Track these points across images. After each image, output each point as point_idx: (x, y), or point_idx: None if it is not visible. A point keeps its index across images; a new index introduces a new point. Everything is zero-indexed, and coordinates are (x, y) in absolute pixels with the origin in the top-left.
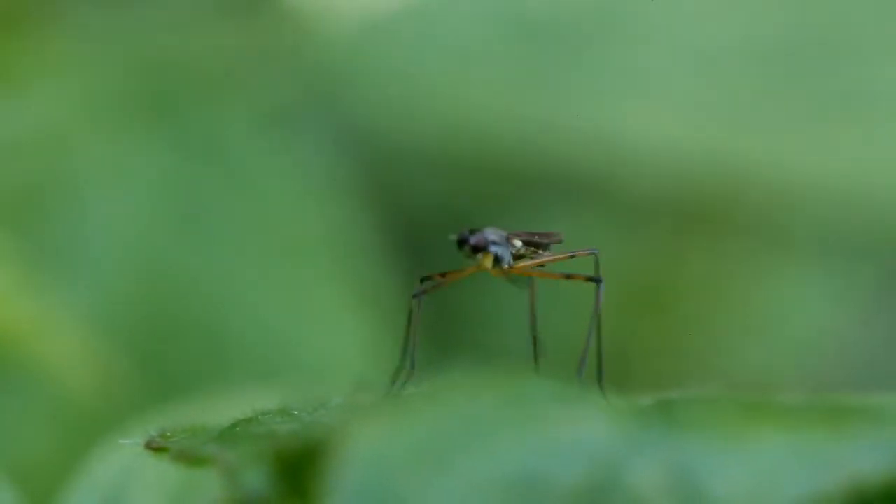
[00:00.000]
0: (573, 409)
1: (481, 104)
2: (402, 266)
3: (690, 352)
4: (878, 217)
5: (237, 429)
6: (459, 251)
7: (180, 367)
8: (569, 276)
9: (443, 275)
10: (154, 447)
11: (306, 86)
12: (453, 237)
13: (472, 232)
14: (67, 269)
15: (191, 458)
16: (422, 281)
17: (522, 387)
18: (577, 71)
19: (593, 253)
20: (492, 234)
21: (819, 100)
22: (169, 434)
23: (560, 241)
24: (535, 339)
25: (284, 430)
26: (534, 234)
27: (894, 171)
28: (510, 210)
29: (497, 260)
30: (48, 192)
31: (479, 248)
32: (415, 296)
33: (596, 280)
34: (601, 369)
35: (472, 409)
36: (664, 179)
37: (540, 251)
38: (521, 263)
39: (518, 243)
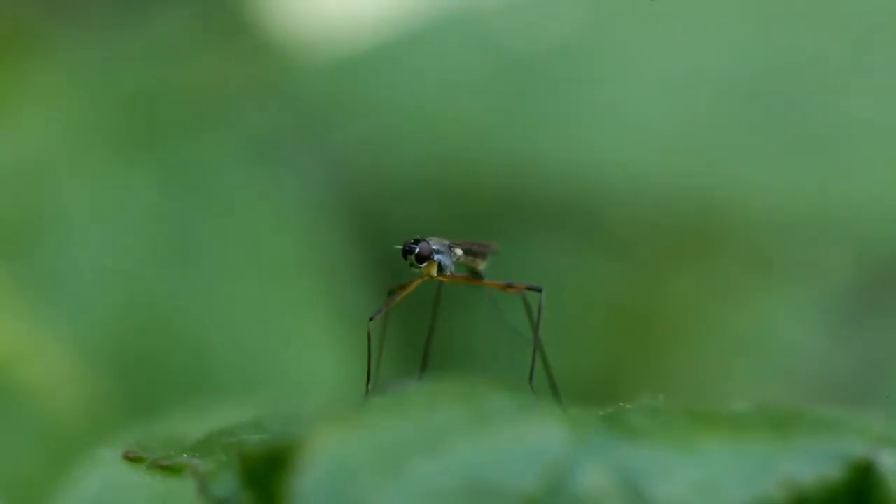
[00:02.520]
0: (526, 417)
1: (463, 135)
2: (385, 291)
3: (674, 372)
4: (851, 241)
5: (210, 440)
6: (405, 261)
7: (163, 388)
8: (509, 286)
9: (401, 287)
10: (131, 457)
11: (290, 116)
12: (398, 247)
13: (417, 242)
14: (53, 294)
15: (165, 468)
16: (389, 294)
17: (478, 396)
18: (556, 102)
19: (536, 290)
20: (435, 242)
21: (793, 131)
22: (146, 445)
23: (496, 252)
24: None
25: (253, 440)
26: (473, 244)
27: (866, 199)
28: (494, 238)
29: (441, 268)
30: (35, 220)
31: (424, 258)
32: (371, 318)
33: (536, 289)
34: (552, 379)
35: (428, 416)
36: (644, 207)
37: (479, 267)
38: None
39: (458, 251)
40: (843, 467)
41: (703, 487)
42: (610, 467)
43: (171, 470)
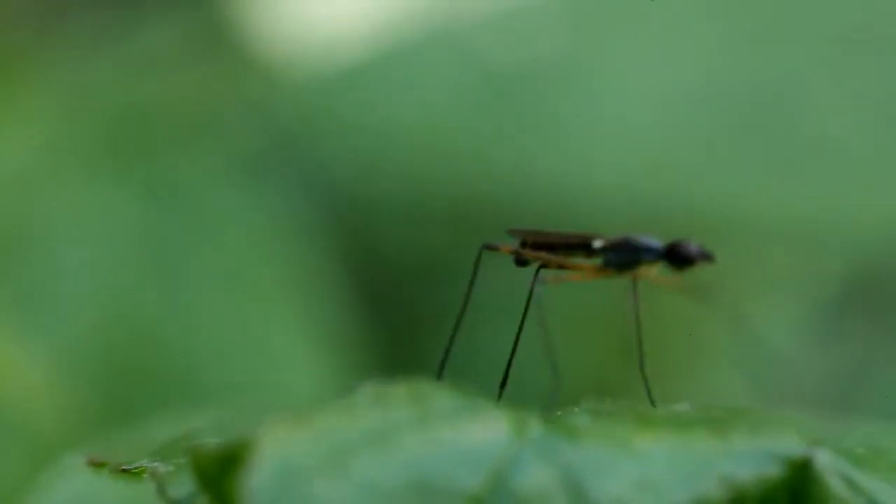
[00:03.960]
0: (471, 417)
1: (448, 151)
2: (370, 309)
3: (665, 380)
4: (831, 251)
5: (172, 443)
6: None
7: (145, 401)
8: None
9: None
10: (94, 463)
11: (275, 133)
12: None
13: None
14: (36, 308)
15: (126, 472)
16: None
17: (425, 396)
18: (540, 117)
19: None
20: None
21: (774, 143)
22: (110, 450)
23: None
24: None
25: (211, 443)
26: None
27: (846, 210)
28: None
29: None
30: (18, 235)
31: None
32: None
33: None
34: (505, 379)
35: (375, 416)
36: (630, 219)
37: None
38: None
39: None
40: (781, 466)
41: (643, 486)
42: (553, 466)
43: (132, 474)
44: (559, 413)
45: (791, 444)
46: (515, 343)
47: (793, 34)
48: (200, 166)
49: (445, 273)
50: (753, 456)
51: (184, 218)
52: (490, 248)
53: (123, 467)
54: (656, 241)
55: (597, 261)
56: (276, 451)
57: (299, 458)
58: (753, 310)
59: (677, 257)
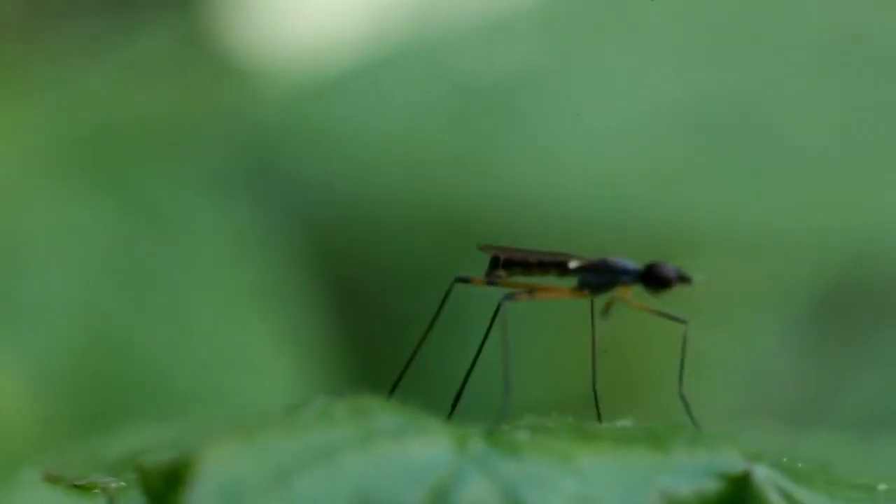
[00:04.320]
0: (413, 433)
1: (425, 163)
2: (345, 319)
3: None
4: (806, 262)
5: (126, 458)
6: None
7: (118, 411)
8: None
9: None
10: (50, 477)
11: (251, 144)
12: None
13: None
14: (9, 318)
15: (80, 487)
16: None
17: (368, 413)
18: (518, 129)
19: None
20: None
21: (747, 158)
22: (66, 465)
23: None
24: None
25: (158, 459)
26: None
27: (819, 222)
28: (459, 268)
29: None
30: None
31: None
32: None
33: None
34: (459, 395)
35: (318, 433)
36: (607, 231)
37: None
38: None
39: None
40: (720, 481)
41: (582, 500)
42: (493, 481)
43: (85, 489)
44: (504, 429)
45: (730, 459)
46: (474, 360)
47: (767, 47)
48: (174, 178)
49: (421, 282)
50: (693, 471)
51: (157, 229)
52: (463, 280)
53: (77, 482)
54: (633, 264)
55: (572, 282)
56: (219, 468)
57: (242, 476)
58: (728, 320)
59: (654, 280)
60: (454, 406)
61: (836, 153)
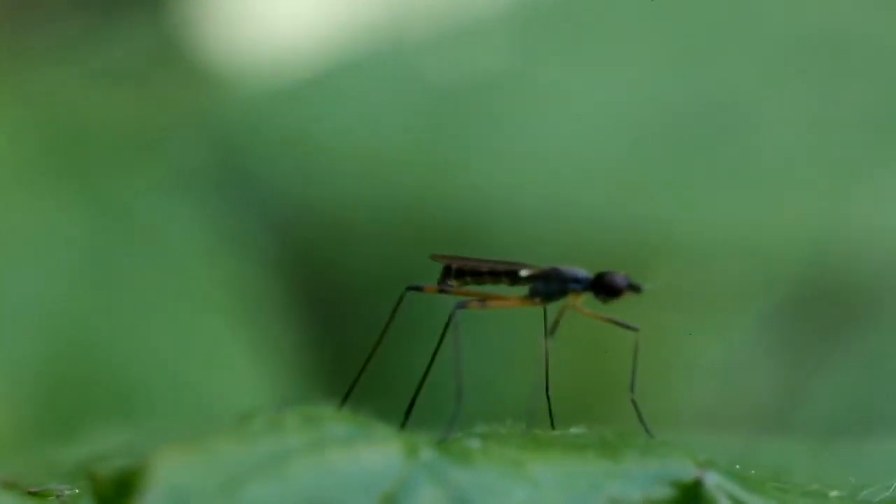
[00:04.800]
0: (364, 442)
1: (391, 166)
2: (311, 319)
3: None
4: (768, 267)
5: (82, 465)
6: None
7: (87, 414)
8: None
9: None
10: (5, 484)
11: (221, 147)
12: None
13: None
14: None
15: (34, 494)
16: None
17: (319, 421)
18: (483, 134)
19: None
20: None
21: (717, 162)
22: (23, 472)
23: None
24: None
25: (110, 467)
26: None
27: (780, 226)
28: (425, 272)
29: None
30: None
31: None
32: (461, 306)
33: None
34: (412, 405)
35: (269, 441)
36: (570, 236)
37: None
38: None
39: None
40: (671, 488)
41: None
42: (442, 489)
43: (40, 496)
44: (455, 437)
45: (681, 467)
46: (427, 367)
47: (736, 52)
48: (145, 181)
49: (392, 284)
50: (643, 478)
51: (127, 232)
52: (415, 288)
53: (32, 489)
54: (584, 272)
55: (523, 290)
56: (169, 476)
57: (191, 484)
58: (695, 324)
59: (604, 288)
60: (408, 413)
61: (804, 158)
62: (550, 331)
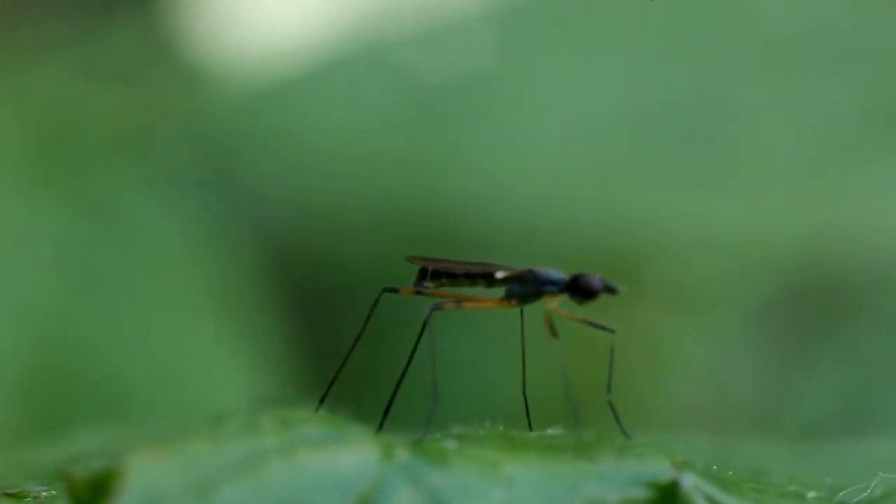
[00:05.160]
0: (339, 443)
1: (376, 166)
2: (297, 319)
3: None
4: (757, 265)
5: (59, 467)
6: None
7: (73, 414)
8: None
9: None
10: None
11: (207, 145)
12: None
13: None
14: None
15: (10, 495)
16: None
17: (294, 423)
18: (469, 134)
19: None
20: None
21: (700, 161)
22: (6, 472)
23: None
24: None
25: (86, 468)
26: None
27: (766, 226)
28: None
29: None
30: None
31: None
32: (437, 308)
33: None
34: (389, 405)
35: (243, 443)
36: (560, 237)
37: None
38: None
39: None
40: (648, 489)
41: None
42: (418, 491)
43: (16, 497)
44: (431, 438)
45: (658, 468)
46: (404, 369)
47: (721, 50)
48: (129, 179)
49: (380, 283)
50: (620, 479)
51: (112, 231)
52: (391, 290)
53: (8, 490)
54: (559, 274)
55: (499, 292)
56: (143, 478)
57: (166, 486)
58: (687, 322)
59: (580, 290)
60: (385, 414)
61: (792, 156)
62: (553, 333)
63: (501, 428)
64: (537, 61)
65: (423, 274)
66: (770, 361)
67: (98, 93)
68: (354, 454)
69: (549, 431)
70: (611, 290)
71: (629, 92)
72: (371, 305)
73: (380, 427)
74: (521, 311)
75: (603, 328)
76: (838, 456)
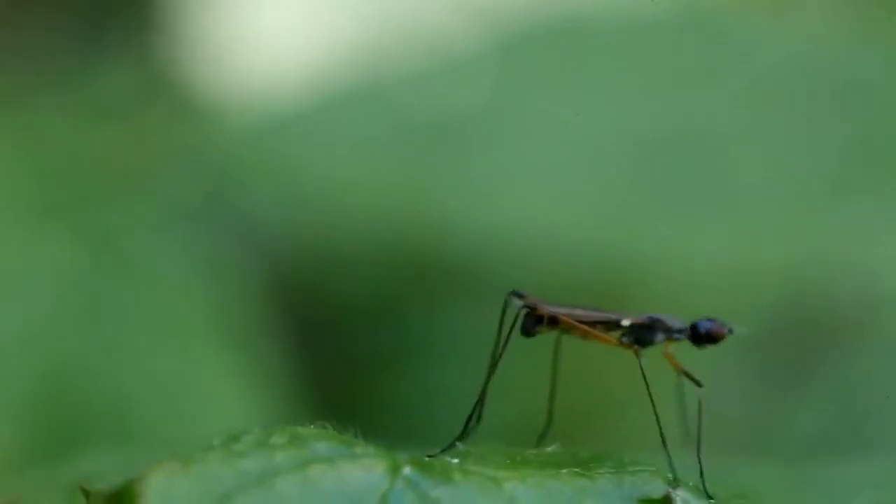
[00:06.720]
0: (348, 460)
1: (376, 201)
2: (300, 348)
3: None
4: (748, 295)
5: (78, 485)
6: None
7: (74, 440)
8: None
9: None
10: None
11: (209, 181)
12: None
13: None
14: None
15: None
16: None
17: (306, 439)
18: (466, 168)
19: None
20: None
21: (691, 194)
22: (17, 491)
23: None
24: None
25: (108, 482)
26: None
27: (756, 256)
28: (412, 302)
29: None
30: None
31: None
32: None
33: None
34: (473, 413)
35: (256, 459)
36: (556, 267)
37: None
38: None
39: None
40: None
41: None
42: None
43: None
44: (435, 455)
45: (652, 485)
46: (487, 381)
47: (713, 86)
48: (131, 212)
49: (378, 313)
50: (616, 495)
51: (115, 263)
52: (526, 306)
53: None
54: (681, 322)
55: (616, 334)
56: (161, 493)
57: (184, 500)
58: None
59: (707, 338)
60: (468, 423)
61: (782, 188)
62: (694, 380)
63: (502, 445)
64: (533, 95)
65: (536, 318)
66: (760, 390)
67: (100, 129)
68: (363, 470)
69: (548, 449)
70: (729, 332)
71: (622, 126)
72: (501, 312)
73: (461, 437)
74: (638, 355)
75: (694, 381)
76: (830, 478)
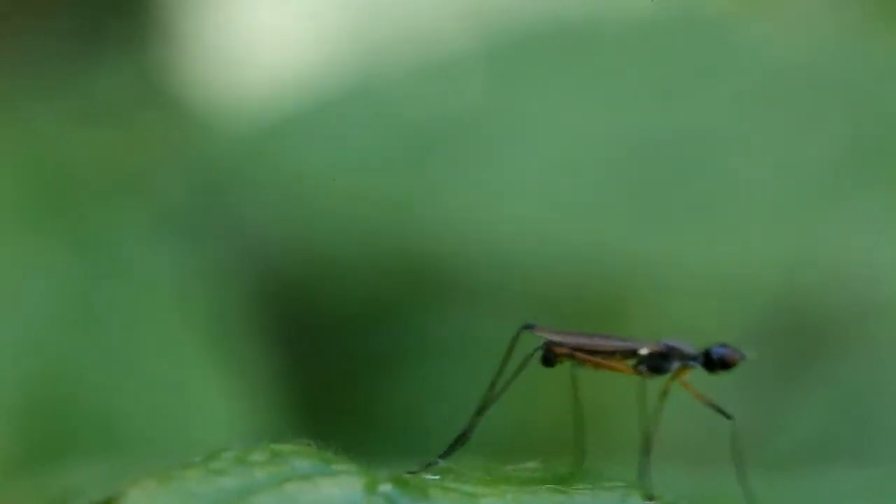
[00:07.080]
0: (326, 476)
1: (371, 205)
2: (293, 356)
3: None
4: (734, 301)
5: (63, 497)
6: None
7: (65, 448)
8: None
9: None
10: None
11: (203, 185)
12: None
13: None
14: None
15: None
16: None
17: (284, 456)
18: (460, 171)
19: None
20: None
21: (684, 197)
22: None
23: None
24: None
25: (88, 497)
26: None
27: (748, 260)
28: (406, 307)
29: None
30: None
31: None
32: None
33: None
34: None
35: (235, 475)
36: (549, 273)
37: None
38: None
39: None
40: None
41: None
42: None
43: None
44: (413, 472)
45: (630, 500)
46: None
47: (707, 90)
48: (126, 217)
49: (372, 320)
50: None
51: (108, 268)
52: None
53: None
54: (692, 348)
55: (631, 361)
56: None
57: None
58: None
59: (720, 364)
60: (458, 440)
61: (773, 192)
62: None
63: (481, 461)
64: (527, 99)
65: (554, 351)
66: (751, 395)
67: (95, 134)
68: (340, 487)
69: (528, 465)
70: (742, 358)
71: (616, 130)
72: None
73: (444, 455)
74: (644, 381)
75: (724, 413)
76: (816, 487)
